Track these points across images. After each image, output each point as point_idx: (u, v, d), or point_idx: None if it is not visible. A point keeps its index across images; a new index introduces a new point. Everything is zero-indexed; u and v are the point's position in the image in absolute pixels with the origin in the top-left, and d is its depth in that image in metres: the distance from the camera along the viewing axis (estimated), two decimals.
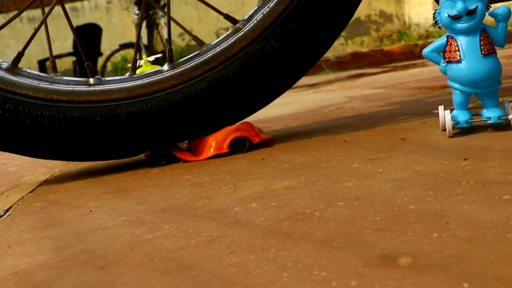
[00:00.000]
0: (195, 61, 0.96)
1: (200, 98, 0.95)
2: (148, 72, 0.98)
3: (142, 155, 1.09)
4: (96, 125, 0.95)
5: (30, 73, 0.96)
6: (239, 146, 0.97)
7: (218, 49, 0.95)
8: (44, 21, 0.98)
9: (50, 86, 0.94)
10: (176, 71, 0.96)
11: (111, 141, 0.96)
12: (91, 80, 0.97)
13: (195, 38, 0.98)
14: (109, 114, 0.95)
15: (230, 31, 0.97)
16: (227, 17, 0.98)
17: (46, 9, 1.00)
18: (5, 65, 0.95)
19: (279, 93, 1.01)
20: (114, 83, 0.96)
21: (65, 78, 0.98)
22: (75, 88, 0.95)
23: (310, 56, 0.99)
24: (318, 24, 0.95)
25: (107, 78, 0.98)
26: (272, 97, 1.01)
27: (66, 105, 0.94)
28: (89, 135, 0.95)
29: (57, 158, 0.99)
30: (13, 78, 0.94)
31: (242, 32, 0.95)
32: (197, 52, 0.97)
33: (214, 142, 0.96)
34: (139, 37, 1.00)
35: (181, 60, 0.97)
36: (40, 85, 0.94)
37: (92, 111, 0.95)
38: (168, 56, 0.97)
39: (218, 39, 0.98)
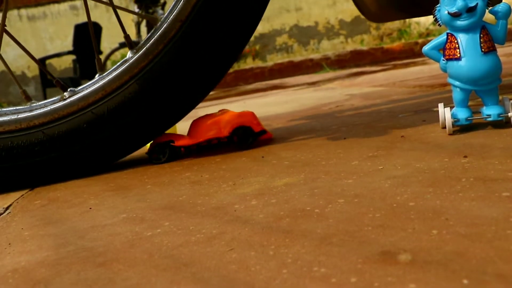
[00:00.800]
0: (154, 37, 0.95)
1: (171, 69, 0.95)
2: (115, 66, 0.98)
3: (143, 154, 1.09)
4: (86, 133, 0.95)
5: (7, 110, 0.98)
6: (241, 134, 0.97)
7: (172, 16, 0.94)
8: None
9: (29, 114, 0.96)
10: (140, 53, 0.95)
11: (103, 143, 0.97)
12: (66, 94, 0.97)
13: (145, 16, 1.01)
14: (93, 118, 0.95)
15: None
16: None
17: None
18: None
19: (237, 52, 1.00)
20: (87, 88, 0.97)
21: (40, 102, 0.99)
22: (52, 107, 0.96)
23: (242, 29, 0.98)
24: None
25: (80, 87, 0.99)
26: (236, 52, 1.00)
27: (51, 125, 0.95)
28: (82, 144, 0.96)
29: (59, 174, 0.98)
30: None
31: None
32: (154, 28, 0.97)
33: (215, 128, 0.97)
34: (94, 37, 1.00)
35: (141, 42, 0.97)
36: (19, 116, 0.95)
37: (77, 122, 0.95)
38: (128, 43, 0.97)
39: (170, 7, 0.97)
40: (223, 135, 0.97)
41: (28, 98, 1.01)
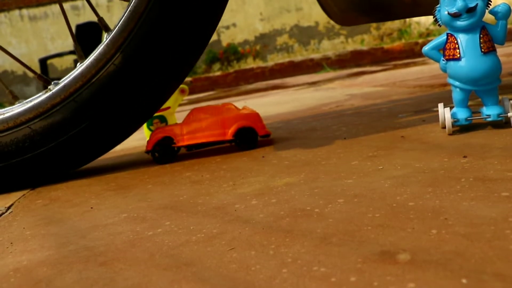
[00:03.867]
0: (126, 13, 0.93)
1: (146, 44, 0.93)
2: (92, 53, 0.96)
3: (143, 153, 1.09)
4: (72, 122, 0.95)
5: None
6: (243, 136, 0.96)
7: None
8: None
9: (15, 112, 0.95)
10: (113, 33, 0.93)
11: (93, 129, 0.96)
12: (51, 87, 0.96)
13: (100, 20, 0.97)
14: (77, 107, 0.94)
15: None
16: None
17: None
18: None
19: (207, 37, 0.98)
20: (68, 78, 0.96)
21: (27, 100, 0.98)
22: (36, 101, 0.95)
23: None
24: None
25: (63, 78, 0.97)
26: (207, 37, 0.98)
27: (37, 120, 0.95)
28: (71, 134, 0.95)
29: (58, 169, 0.98)
30: None
31: None
32: (120, 18, 0.96)
33: (219, 127, 0.96)
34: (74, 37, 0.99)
35: (112, 29, 0.95)
36: (6, 115, 0.95)
37: (62, 113, 0.94)
38: (102, 25, 0.96)
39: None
40: (227, 138, 0.96)
41: (15, 98, 1.01)
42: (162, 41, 0.93)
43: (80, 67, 0.95)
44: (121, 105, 0.95)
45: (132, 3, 0.93)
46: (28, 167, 0.96)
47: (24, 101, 0.98)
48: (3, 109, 0.98)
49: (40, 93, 0.98)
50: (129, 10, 0.93)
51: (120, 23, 0.93)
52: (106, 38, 0.95)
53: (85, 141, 0.96)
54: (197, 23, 0.94)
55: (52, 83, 0.97)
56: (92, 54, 0.95)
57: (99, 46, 0.95)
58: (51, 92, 0.95)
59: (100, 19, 0.97)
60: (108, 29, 0.95)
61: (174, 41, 0.94)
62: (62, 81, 0.96)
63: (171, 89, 0.99)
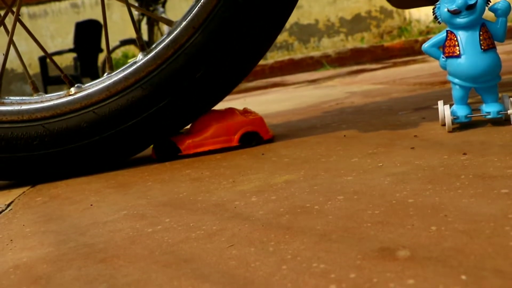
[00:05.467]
0: (165, 41, 0.93)
1: (180, 78, 0.93)
2: (124, 67, 0.96)
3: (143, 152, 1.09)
4: (85, 132, 0.94)
5: (13, 99, 0.97)
6: (249, 140, 0.96)
7: (185, 23, 0.92)
8: (10, 40, 0.98)
9: (32, 106, 0.95)
10: (149, 56, 0.93)
11: (103, 144, 0.96)
12: (72, 90, 0.96)
13: (161, 18, 0.97)
14: (95, 118, 0.94)
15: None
16: None
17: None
18: None
19: (259, 57, 0.98)
20: (93, 87, 0.95)
21: (47, 95, 0.98)
22: (56, 102, 0.95)
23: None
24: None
25: (86, 84, 0.98)
26: (254, 61, 0.97)
27: (51, 121, 0.94)
28: (80, 144, 0.95)
29: (53, 174, 0.98)
30: None
31: None
32: (168, 33, 0.95)
33: (224, 134, 0.96)
34: (107, 35, 0.99)
35: (153, 45, 0.95)
36: (22, 108, 0.95)
37: (77, 120, 0.94)
38: (140, 45, 0.96)
39: (185, 12, 0.94)
40: (233, 144, 0.96)
41: (36, 90, 1.00)
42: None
43: (108, 80, 0.95)
44: (138, 126, 0.95)
45: (174, 34, 0.92)
46: (33, 165, 0.95)
47: (45, 96, 0.97)
48: (20, 98, 0.98)
49: (61, 93, 0.97)
50: (170, 39, 0.92)
51: (157, 50, 0.93)
52: (140, 59, 0.94)
53: (94, 152, 0.96)
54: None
55: (76, 85, 0.96)
56: (123, 69, 0.95)
57: (132, 65, 0.94)
58: (71, 97, 0.95)
59: (139, 37, 0.97)
60: (143, 49, 0.95)
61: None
62: (86, 87, 0.96)
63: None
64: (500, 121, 0.80)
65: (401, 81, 1.90)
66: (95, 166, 0.99)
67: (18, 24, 0.98)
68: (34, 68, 5.31)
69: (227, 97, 1.18)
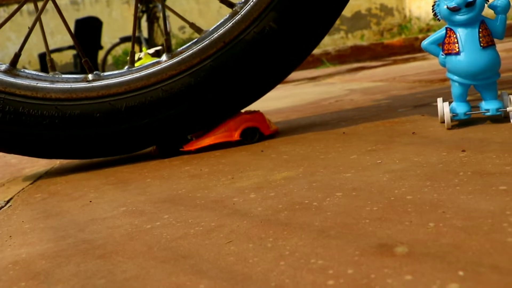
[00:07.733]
0: (193, 49, 0.94)
1: (201, 88, 0.94)
2: (146, 64, 0.96)
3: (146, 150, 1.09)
4: (97, 122, 0.94)
5: (28, 73, 0.96)
6: (249, 135, 0.97)
7: (216, 35, 0.93)
8: (38, 18, 0.98)
9: (48, 85, 0.94)
10: (174, 60, 0.94)
11: (113, 137, 0.96)
12: (90, 76, 0.96)
13: (192, 25, 0.97)
14: (109, 110, 0.94)
15: (227, 15, 0.95)
16: (223, 0, 0.97)
17: (40, 4, 1.00)
18: (3, 67, 0.95)
19: (281, 79, 0.99)
20: (112, 78, 0.95)
21: (64, 76, 0.97)
22: (73, 86, 0.94)
23: (311, 38, 0.96)
24: (318, 4, 0.93)
25: (105, 73, 0.97)
26: (274, 83, 0.99)
27: (65, 103, 0.93)
28: (90, 132, 0.94)
29: (58, 157, 0.99)
30: (12, 80, 0.93)
31: (239, 15, 0.92)
32: (195, 39, 0.96)
33: (225, 129, 0.96)
34: (135, 30, 0.99)
35: (179, 49, 0.96)
36: (38, 84, 0.93)
37: (91, 108, 0.94)
38: (166, 46, 0.96)
39: (216, 24, 0.95)
40: (234, 139, 0.96)
41: (53, 68, 0.99)
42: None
43: (129, 75, 0.95)
44: (152, 125, 0.95)
45: (203, 44, 0.93)
46: (39, 142, 0.95)
47: (61, 76, 0.96)
48: (37, 73, 0.97)
49: (78, 77, 0.96)
50: (198, 48, 0.93)
51: (183, 56, 0.93)
52: (164, 61, 0.94)
53: (102, 142, 0.96)
54: None
55: (94, 72, 0.96)
56: (146, 66, 0.96)
57: (155, 64, 0.95)
58: (90, 84, 0.94)
59: (167, 39, 0.97)
60: (170, 50, 0.95)
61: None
62: (105, 77, 0.96)
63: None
64: (499, 118, 0.80)
65: (401, 79, 1.90)
66: (99, 156, 0.99)
67: (17, 20, 0.98)
68: (34, 65, 5.32)
69: None
